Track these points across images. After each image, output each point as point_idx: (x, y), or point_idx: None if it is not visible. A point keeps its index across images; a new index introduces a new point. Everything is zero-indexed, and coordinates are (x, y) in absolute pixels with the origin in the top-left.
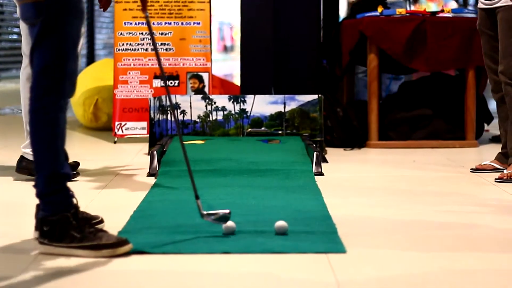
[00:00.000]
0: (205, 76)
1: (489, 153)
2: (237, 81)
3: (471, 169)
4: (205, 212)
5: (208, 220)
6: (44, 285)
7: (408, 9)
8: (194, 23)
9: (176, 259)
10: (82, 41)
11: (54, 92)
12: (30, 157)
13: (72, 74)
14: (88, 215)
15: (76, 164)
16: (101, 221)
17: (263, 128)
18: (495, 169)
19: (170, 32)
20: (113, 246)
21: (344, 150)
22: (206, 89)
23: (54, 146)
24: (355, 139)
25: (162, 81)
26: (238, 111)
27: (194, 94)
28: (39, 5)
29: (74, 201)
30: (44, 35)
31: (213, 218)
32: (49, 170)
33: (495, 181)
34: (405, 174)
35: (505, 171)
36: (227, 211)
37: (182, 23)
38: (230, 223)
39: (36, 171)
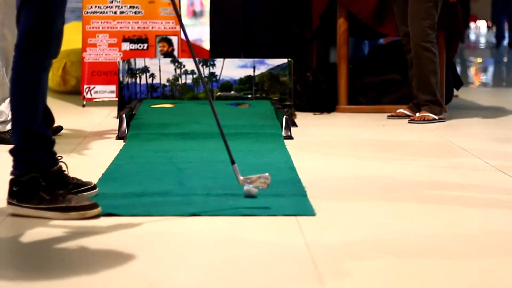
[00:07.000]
0: (174, 39)
1: (459, 117)
2: (206, 46)
3: (387, 115)
4: (241, 178)
5: (246, 185)
6: (11, 247)
7: None
8: None
9: (144, 221)
10: None
11: (38, 51)
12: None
13: (58, 34)
14: (79, 181)
15: (59, 128)
16: (94, 187)
17: (232, 92)
18: (407, 116)
19: None
20: (83, 209)
21: (314, 114)
22: (175, 53)
23: (33, 104)
24: (324, 104)
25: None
26: (207, 75)
27: (163, 57)
28: None
29: (63, 165)
30: None
31: (250, 184)
32: (24, 127)
33: (409, 122)
34: (375, 138)
35: (417, 114)
36: (266, 174)
37: None
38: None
39: (12, 128)
